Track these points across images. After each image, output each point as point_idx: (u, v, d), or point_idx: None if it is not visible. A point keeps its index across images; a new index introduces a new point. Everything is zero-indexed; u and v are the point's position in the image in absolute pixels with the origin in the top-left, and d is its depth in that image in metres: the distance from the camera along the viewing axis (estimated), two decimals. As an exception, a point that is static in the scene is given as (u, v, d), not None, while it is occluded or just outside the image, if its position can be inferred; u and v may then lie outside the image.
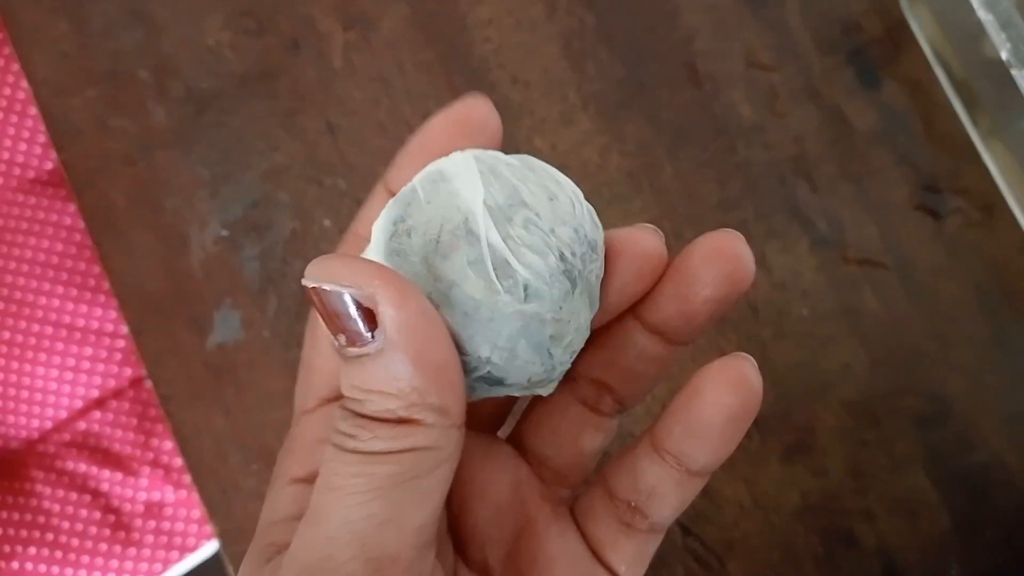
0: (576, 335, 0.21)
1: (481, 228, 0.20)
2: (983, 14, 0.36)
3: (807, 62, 0.42)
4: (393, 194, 0.23)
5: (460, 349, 0.20)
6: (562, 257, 0.20)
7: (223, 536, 0.39)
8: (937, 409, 0.40)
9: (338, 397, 0.24)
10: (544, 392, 0.22)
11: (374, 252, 0.21)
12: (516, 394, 0.22)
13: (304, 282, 0.18)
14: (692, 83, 0.42)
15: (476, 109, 0.22)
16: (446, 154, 0.21)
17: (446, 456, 0.19)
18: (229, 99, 0.42)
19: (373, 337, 0.18)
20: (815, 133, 0.42)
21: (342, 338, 0.18)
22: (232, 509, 0.39)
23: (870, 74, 0.42)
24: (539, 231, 0.20)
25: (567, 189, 0.22)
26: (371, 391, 0.18)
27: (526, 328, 0.20)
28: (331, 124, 0.41)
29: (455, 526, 0.24)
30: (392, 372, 0.18)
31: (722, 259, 0.21)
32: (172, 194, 0.41)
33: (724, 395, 0.21)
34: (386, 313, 0.18)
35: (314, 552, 0.18)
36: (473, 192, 0.20)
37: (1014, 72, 0.36)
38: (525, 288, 0.20)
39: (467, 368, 0.20)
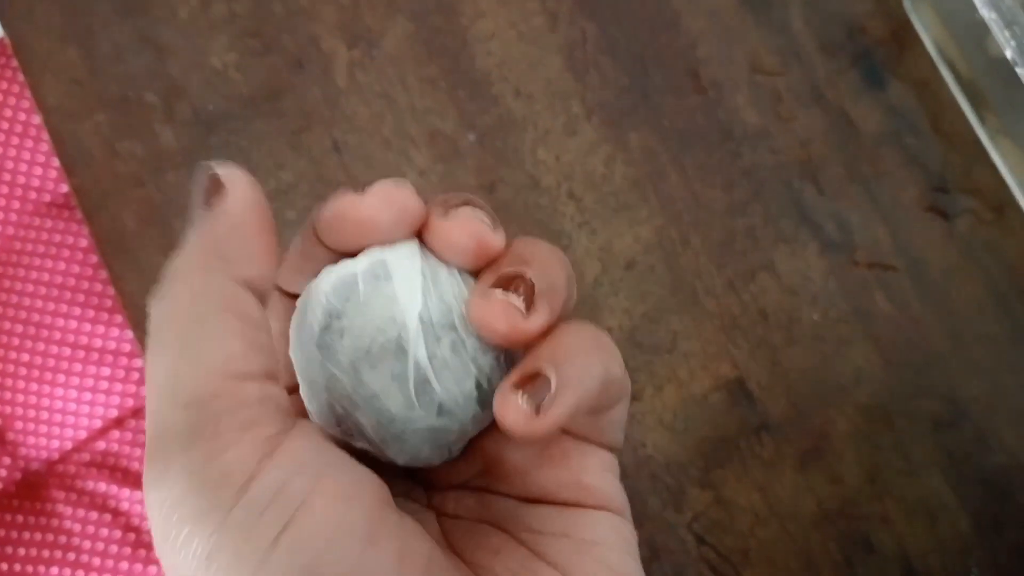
0: (476, 431, 0.23)
1: (411, 346, 0.21)
2: (986, 13, 0.36)
3: (812, 65, 0.42)
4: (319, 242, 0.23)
5: (367, 439, 0.22)
6: (478, 385, 0.22)
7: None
8: (953, 411, 0.40)
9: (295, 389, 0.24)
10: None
11: (305, 338, 0.21)
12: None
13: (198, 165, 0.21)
14: (696, 90, 0.42)
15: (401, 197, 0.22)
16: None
17: (226, 303, 0.20)
18: (236, 120, 0.42)
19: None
20: (822, 136, 0.41)
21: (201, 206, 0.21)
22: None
23: (875, 76, 0.42)
24: (463, 357, 0.22)
25: None
26: (186, 245, 0.21)
27: (432, 435, 0.22)
28: (337, 141, 0.42)
29: None
30: (211, 227, 0.20)
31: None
32: (181, 215, 0.41)
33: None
34: (226, 184, 0.21)
35: (150, 416, 0.19)
36: (411, 302, 0.21)
37: (1019, 70, 0.36)
38: (439, 407, 0.22)
39: (369, 451, 0.22)
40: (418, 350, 0.21)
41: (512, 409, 0.20)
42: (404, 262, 0.22)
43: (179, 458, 0.18)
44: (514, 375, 0.21)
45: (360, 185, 0.22)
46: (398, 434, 0.22)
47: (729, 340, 0.40)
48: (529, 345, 0.21)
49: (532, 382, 0.20)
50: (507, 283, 0.21)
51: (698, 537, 0.40)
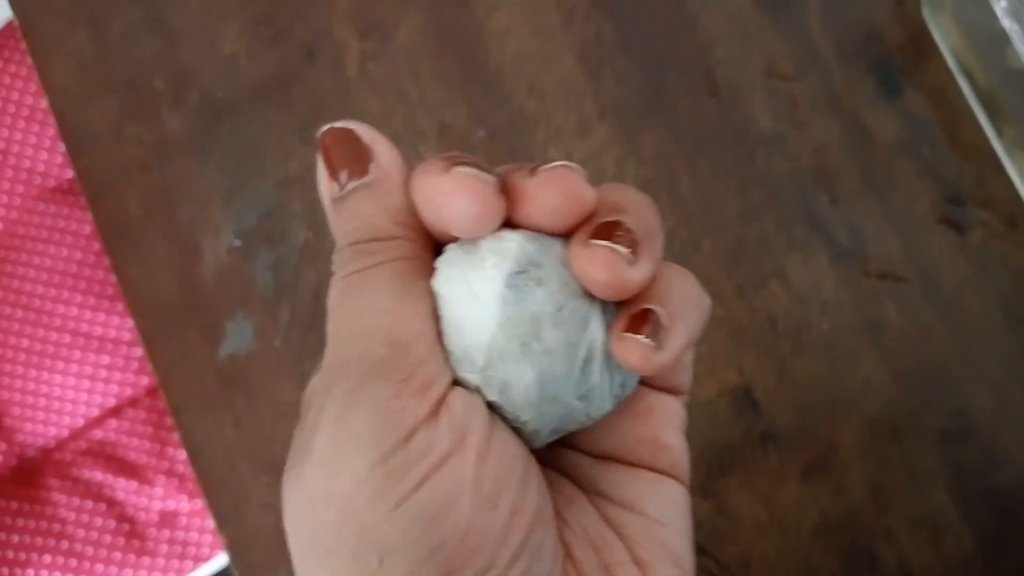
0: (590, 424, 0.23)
1: (592, 322, 0.22)
2: (1008, 23, 0.35)
3: (828, 71, 0.41)
4: None
5: (507, 394, 0.22)
6: (622, 385, 0.23)
7: (232, 547, 0.39)
8: (961, 425, 0.39)
9: None
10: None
11: (483, 275, 0.21)
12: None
13: (320, 130, 0.22)
14: (711, 92, 0.41)
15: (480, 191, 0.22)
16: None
17: (427, 269, 0.22)
18: (245, 108, 0.41)
19: (370, 170, 0.22)
20: (836, 143, 0.41)
21: (344, 176, 0.22)
22: (242, 520, 0.39)
23: (892, 83, 0.41)
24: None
25: None
26: (365, 215, 0.22)
27: (565, 415, 0.22)
28: (346, 133, 0.41)
29: None
30: (384, 196, 0.22)
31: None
32: (186, 203, 0.41)
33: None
34: (381, 151, 0.22)
35: (346, 347, 0.21)
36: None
37: (1040, 82, 0.35)
38: (587, 391, 0.22)
39: (495, 407, 0.22)
40: (596, 330, 0.22)
41: (634, 346, 0.21)
42: None
43: (374, 384, 0.20)
44: (626, 315, 0.21)
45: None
46: (549, 398, 0.22)
47: (736, 347, 0.40)
48: (634, 293, 0.21)
49: (647, 320, 0.21)
50: (608, 233, 0.21)
51: (699, 546, 0.39)
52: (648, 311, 0.21)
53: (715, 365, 0.40)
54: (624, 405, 0.23)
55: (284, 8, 0.42)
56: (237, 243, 0.41)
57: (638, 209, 0.22)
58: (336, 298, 0.22)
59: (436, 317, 0.22)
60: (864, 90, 0.41)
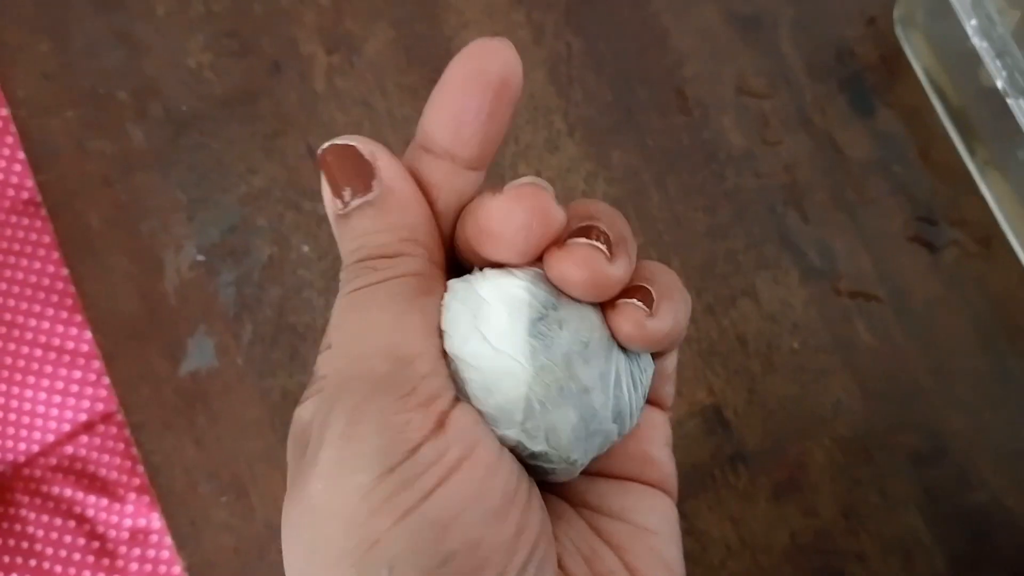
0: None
1: (615, 349, 0.22)
2: (978, 42, 0.35)
3: (799, 89, 0.41)
4: (427, 150, 0.23)
5: (549, 440, 0.21)
6: (644, 395, 0.23)
7: (191, 570, 0.38)
8: (933, 446, 0.39)
9: None
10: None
11: (503, 329, 0.21)
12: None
13: (321, 147, 0.22)
14: (681, 109, 0.41)
15: (495, 47, 0.22)
16: (466, 103, 0.22)
17: (432, 285, 0.21)
18: (209, 121, 0.41)
19: (372, 187, 0.21)
20: (807, 161, 0.41)
21: (347, 193, 0.22)
22: (201, 542, 0.38)
23: (864, 101, 0.41)
24: (639, 364, 0.23)
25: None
26: (369, 233, 0.21)
27: (605, 441, 0.22)
28: (312, 147, 0.41)
29: None
30: (387, 213, 0.21)
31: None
32: (149, 217, 0.40)
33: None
34: (384, 166, 0.22)
35: (348, 365, 0.20)
36: None
37: (1010, 101, 0.35)
38: (619, 413, 0.22)
39: (532, 459, 0.22)
40: (618, 355, 0.22)
41: (630, 310, 0.21)
42: None
43: (377, 400, 0.20)
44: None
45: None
46: (592, 433, 0.22)
47: (706, 366, 0.39)
48: (614, 292, 0.22)
49: (638, 290, 0.21)
50: (583, 234, 0.21)
51: (667, 568, 0.38)
52: (639, 285, 0.22)
53: (685, 384, 0.39)
54: None
55: (251, 21, 0.41)
56: (200, 258, 0.40)
57: (610, 217, 0.22)
58: (338, 315, 0.21)
59: (440, 333, 0.21)
60: (836, 108, 0.41)
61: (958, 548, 0.38)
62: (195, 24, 0.41)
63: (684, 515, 0.38)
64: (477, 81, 0.21)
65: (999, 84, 0.35)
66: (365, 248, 0.21)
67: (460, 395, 0.21)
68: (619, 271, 0.21)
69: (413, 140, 0.23)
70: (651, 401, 0.25)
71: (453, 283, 0.22)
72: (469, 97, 0.21)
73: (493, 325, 0.21)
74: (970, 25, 0.35)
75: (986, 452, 0.39)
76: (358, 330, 0.21)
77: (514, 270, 0.22)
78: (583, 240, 0.21)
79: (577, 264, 0.21)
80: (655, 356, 0.24)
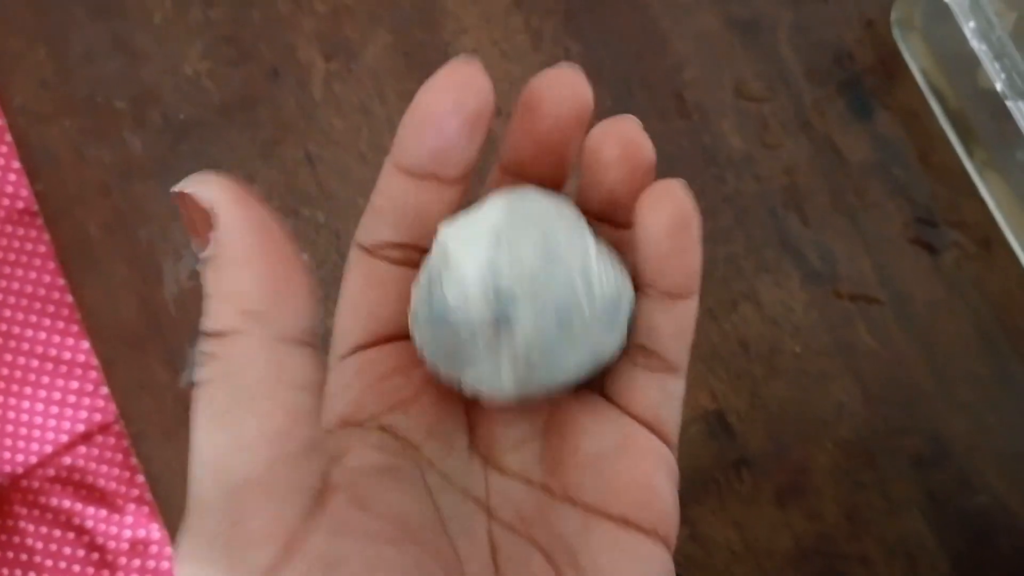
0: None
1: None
2: (977, 44, 0.35)
3: (798, 92, 0.41)
4: (404, 170, 0.23)
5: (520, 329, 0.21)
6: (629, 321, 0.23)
7: (193, 579, 0.37)
8: (936, 449, 0.39)
9: (375, 343, 0.23)
10: None
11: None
12: None
13: (172, 190, 0.19)
14: (680, 113, 0.41)
15: (466, 74, 0.22)
16: (441, 125, 0.22)
17: (274, 368, 0.18)
18: (207, 128, 0.41)
19: (209, 242, 0.18)
20: (807, 165, 0.41)
21: (195, 245, 0.18)
22: (203, 551, 0.38)
23: (863, 104, 0.41)
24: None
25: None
26: (209, 299, 0.18)
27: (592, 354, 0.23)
28: (310, 154, 0.41)
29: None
30: (220, 277, 0.18)
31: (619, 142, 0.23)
32: (148, 225, 0.40)
33: (657, 214, 0.22)
34: (224, 218, 0.18)
35: (193, 502, 0.18)
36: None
37: (1009, 103, 0.35)
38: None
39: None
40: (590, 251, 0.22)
41: (614, 128, 0.23)
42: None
43: (209, 536, 0.18)
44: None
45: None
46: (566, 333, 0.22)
47: (709, 370, 0.39)
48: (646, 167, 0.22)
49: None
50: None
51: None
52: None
53: (687, 389, 0.39)
54: (618, 445, 0.23)
55: (249, 28, 0.41)
56: (199, 267, 0.40)
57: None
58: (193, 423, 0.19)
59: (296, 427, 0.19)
60: (835, 111, 0.41)
61: (961, 551, 0.38)
62: (193, 31, 0.41)
63: (688, 520, 0.38)
64: (455, 115, 0.21)
65: (998, 86, 0.35)
66: (204, 319, 0.19)
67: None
68: (650, 144, 0.23)
69: (388, 158, 0.23)
70: (653, 429, 0.24)
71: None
72: (449, 126, 0.21)
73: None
74: (968, 27, 0.35)
75: (988, 454, 0.39)
76: (193, 456, 0.18)
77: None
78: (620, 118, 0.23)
79: (611, 132, 0.23)
80: (676, 299, 0.24)
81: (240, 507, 0.18)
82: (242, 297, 0.18)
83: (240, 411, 0.18)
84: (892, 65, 0.41)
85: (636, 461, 0.23)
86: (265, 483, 0.18)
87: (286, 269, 0.19)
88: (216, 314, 0.18)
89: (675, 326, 0.24)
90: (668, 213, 0.22)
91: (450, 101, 0.21)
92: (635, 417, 0.24)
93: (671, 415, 0.24)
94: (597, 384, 0.24)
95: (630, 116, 0.23)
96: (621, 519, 0.22)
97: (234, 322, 0.18)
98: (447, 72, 0.22)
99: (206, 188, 0.18)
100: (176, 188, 0.19)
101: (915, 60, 0.41)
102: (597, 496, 0.23)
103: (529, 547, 0.22)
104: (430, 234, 0.23)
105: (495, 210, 0.22)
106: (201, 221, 0.18)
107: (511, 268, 0.21)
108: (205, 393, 0.18)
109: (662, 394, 0.24)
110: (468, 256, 0.21)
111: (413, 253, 0.23)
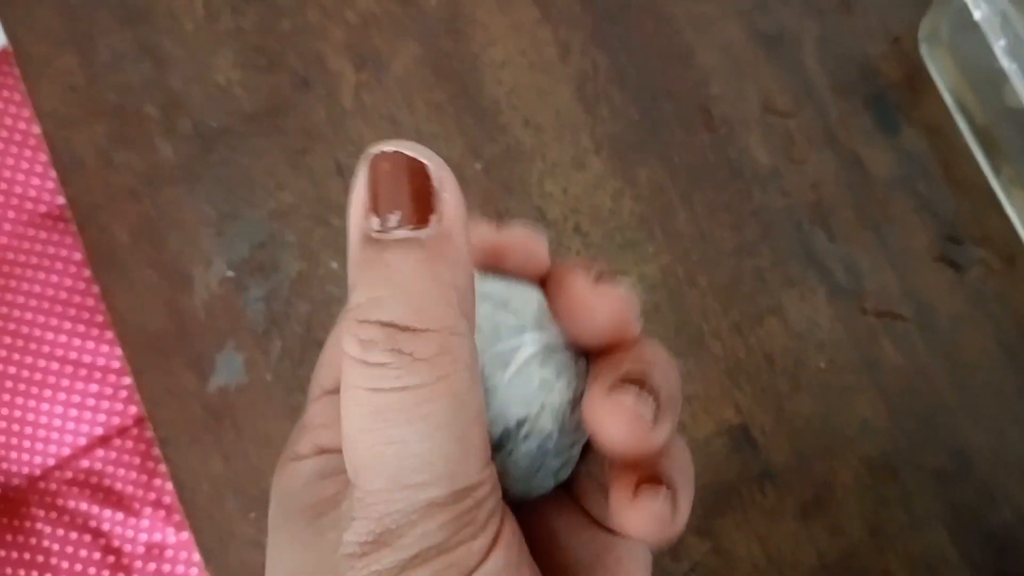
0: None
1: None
2: (1007, 63, 0.35)
3: (824, 107, 0.41)
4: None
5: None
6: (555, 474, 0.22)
7: (218, 585, 0.38)
8: (959, 464, 0.39)
9: None
10: None
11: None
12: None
13: (377, 147, 0.17)
14: (707, 127, 0.41)
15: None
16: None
17: (475, 383, 0.17)
18: (237, 136, 0.41)
19: (430, 221, 0.16)
20: (833, 179, 0.41)
21: (393, 218, 0.16)
22: (228, 557, 0.38)
23: (889, 120, 0.41)
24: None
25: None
26: (409, 282, 0.16)
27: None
28: (340, 163, 0.41)
29: None
30: (438, 263, 0.16)
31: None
32: (177, 232, 0.41)
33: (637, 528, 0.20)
34: (449, 200, 0.17)
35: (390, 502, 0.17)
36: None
37: (1038, 120, 0.35)
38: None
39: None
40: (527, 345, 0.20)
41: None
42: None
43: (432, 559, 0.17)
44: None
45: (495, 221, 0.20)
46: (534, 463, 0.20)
47: (734, 384, 0.39)
48: (648, 456, 0.19)
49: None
50: (633, 384, 0.19)
51: (694, 586, 0.38)
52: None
53: (712, 403, 0.39)
54: (593, 560, 0.22)
55: (279, 37, 0.42)
56: (229, 274, 0.40)
57: (665, 369, 0.20)
58: (355, 430, 0.17)
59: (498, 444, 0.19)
60: (860, 126, 0.41)
61: (984, 566, 0.38)
62: (223, 39, 0.42)
63: (711, 533, 0.38)
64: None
65: (1026, 104, 0.35)
66: (398, 305, 0.16)
67: None
68: (659, 439, 0.19)
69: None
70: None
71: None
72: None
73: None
74: (998, 45, 0.35)
75: (1011, 469, 0.39)
76: (393, 459, 0.17)
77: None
78: (632, 390, 0.18)
79: (619, 423, 0.18)
80: None
81: (469, 501, 0.17)
82: (455, 291, 0.16)
83: (463, 420, 0.16)
84: (918, 81, 0.41)
85: (613, 571, 0.22)
86: (489, 481, 0.18)
87: (473, 272, 0.17)
88: (419, 305, 0.16)
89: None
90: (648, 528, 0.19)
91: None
92: (605, 528, 0.22)
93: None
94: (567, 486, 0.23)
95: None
96: None
97: (443, 318, 0.16)
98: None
99: (436, 163, 0.17)
100: (395, 148, 0.16)
101: (942, 76, 0.41)
102: None
103: None
104: None
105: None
106: (424, 194, 0.16)
107: None
108: (411, 397, 0.16)
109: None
110: None
111: None
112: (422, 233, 0.16)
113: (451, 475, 0.17)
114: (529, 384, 0.19)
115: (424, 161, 0.16)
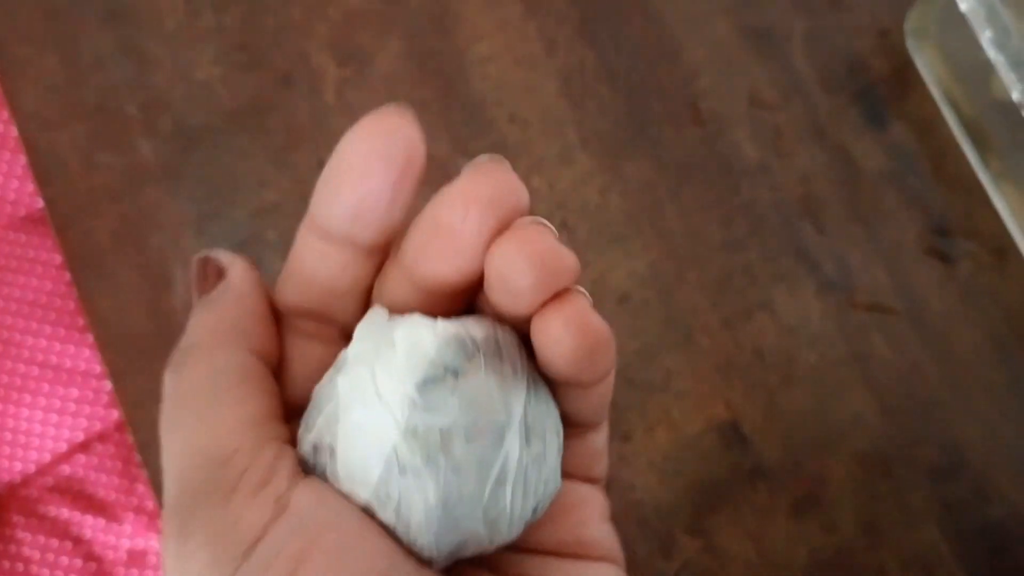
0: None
1: (507, 441, 0.20)
2: (993, 54, 0.35)
3: (812, 101, 0.41)
4: (316, 232, 0.21)
5: (405, 512, 0.19)
6: (533, 511, 0.21)
7: (203, 591, 0.37)
8: (952, 460, 0.39)
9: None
10: None
11: (389, 382, 0.19)
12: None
13: (195, 257, 0.23)
14: (695, 122, 0.41)
15: (393, 123, 0.19)
16: (360, 179, 0.20)
17: (250, 373, 0.21)
18: (219, 134, 0.40)
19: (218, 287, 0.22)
20: (822, 174, 0.40)
21: (195, 296, 0.22)
22: (213, 562, 0.37)
23: (877, 114, 0.41)
24: (539, 475, 0.21)
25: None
26: (196, 324, 0.22)
27: (466, 542, 0.21)
28: (323, 161, 0.40)
29: None
30: (219, 308, 0.21)
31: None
32: (158, 232, 0.40)
33: (559, 345, 0.19)
34: (234, 272, 0.22)
35: (170, 480, 0.20)
36: (521, 391, 0.20)
37: (1027, 112, 0.35)
38: (493, 521, 0.20)
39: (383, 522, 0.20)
40: (513, 446, 0.19)
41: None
42: (509, 338, 0.20)
43: (200, 512, 0.19)
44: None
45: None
46: (451, 522, 0.19)
47: (724, 380, 0.39)
48: (565, 282, 0.19)
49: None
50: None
51: (687, 585, 0.38)
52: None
53: (702, 399, 0.39)
54: (560, 506, 0.22)
55: (261, 34, 0.41)
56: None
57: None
58: (162, 421, 0.21)
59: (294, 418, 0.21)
60: (849, 120, 0.41)
61: (978, 563, 0.38)
62: (205, 37, 0.41)
63: (703, 531, 0.38)
64: (379, 162, 0.19)
65: (1014, 96, 0.35)
66: (187, 338, 0.21)
67: (318, 455, 0.20)
68: (571, 258, 0.19)
69: (304, 221, 0.21)
70: (583, 477, 0.23)
71: (376, 310, 0.20)
72: (371, 179, 0.19)
73: (385, 366, 0.19)
74: (985, 37, 0.35)
75: (1004, 466, 0.39)
76: (171, 444, 0.20)
77: (439, 322, 0.20)
78: (528, 219, 0.19)
79: (522, 244, 0.18)
80: (586, 430, 0.22)
81: (228, 475, 0.19)
82: (227, 321, 0.21)
83: (220, 399, 0.20)
84: (906, 74, 0.41)
85: (578, 515, 0.23)
86: (248, 448, 0.19)
87: (262, 305, 0.22)
88: (199, 334, 0.21)
89: (592, 447, 0.23)
90: (570, 342, 0.19)
91: (372, 151, 0.19)
92: (570, 475, 0.23)
93: (599, 461, 0.23)
94: None
95: (540, 225, 0.19)
96: (563, 555, 0.22)
97: (216, 338, 0.21)
98: (371, 119, 0.19)
99: (226, 254, 0.22)
100: (200, 255, 0.23)
101: (929, 69, 0.41)
102: (531, 546, 0.22)
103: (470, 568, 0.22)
104: (344, 308, 0.21)
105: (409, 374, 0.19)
106: (214, 274, 0.22)
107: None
108: (183, 391, 0.21)
109: (590, 450, 0.23)
110: (369, 442, 0.19)
111: (324, 327, 0.22)
112: (213, 294, 0.22)
113: (201, 449, 0.20)
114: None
115: (211, 255, 0.23)
